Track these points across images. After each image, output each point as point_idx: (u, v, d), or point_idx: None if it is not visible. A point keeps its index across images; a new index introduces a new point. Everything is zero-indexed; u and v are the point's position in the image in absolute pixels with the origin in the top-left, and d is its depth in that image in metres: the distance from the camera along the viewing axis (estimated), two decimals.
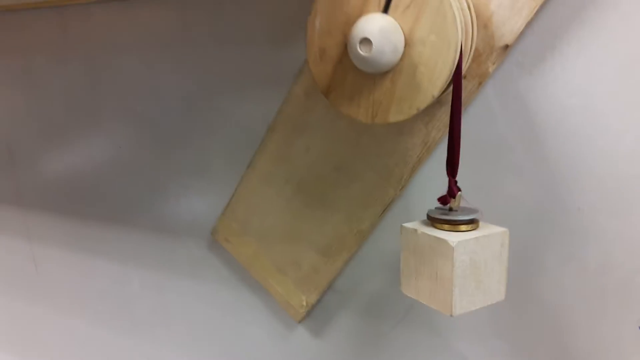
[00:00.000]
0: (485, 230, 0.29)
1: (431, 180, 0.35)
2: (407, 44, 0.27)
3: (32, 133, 0.55)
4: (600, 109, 0.30)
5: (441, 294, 0.29)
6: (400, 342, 0.41)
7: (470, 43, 0.29)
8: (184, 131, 0.45)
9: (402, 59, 0.28)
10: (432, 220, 0.30)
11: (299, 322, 0.44)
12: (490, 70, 0.31)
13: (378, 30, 0.27)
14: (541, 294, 0.34)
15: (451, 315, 0.29)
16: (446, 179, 0.29)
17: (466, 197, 0.31)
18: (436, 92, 0.28)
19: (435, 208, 0.31)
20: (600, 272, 0.32)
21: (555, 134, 0.31)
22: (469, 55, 0.29)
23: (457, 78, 0.27)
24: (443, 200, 0.30)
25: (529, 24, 0.30)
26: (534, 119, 0.32)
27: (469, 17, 0.29)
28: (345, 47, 0.29)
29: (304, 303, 0.43)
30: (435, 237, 0.29)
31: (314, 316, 0.44)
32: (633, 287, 0.32)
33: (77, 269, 0.58)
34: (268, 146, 0.41)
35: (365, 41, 0.27)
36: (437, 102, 0.32)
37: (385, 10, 0.27)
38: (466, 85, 0.32)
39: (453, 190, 0.30)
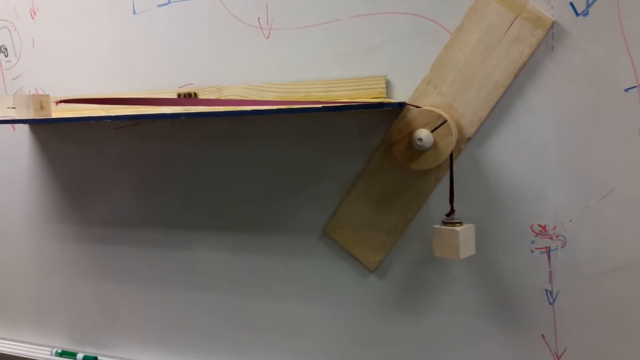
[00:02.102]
0: (466, 225, 0.74)
1: (440, 192, 0.81)
2: (435, 142, 0.74)
3: (204, 188, 0.97)
4: (509, 162, 0.77)
5: (453, 250, 0.74)
6: (426, 277, 0.85)
7: (455, 140, 0.75)
8: (308, 176, 0.89)
9: (431, 147, 0.74)
10: (445, 223, 0.75)
11: (372, 271, 0.88)
12: (463, 147, 0.78)
13: (425, 136, 0.73)
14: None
15: (459, 258, 0.73)
16: (445, 192, 0.75)
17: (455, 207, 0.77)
18: (442, 160, 0.74)
19: (445, 217, 0.76)
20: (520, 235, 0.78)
21: (490, 173, 0.78)
22: (454, 145, 0.76)
23: (451, 158, 0.74)
24: (447, 214, 0.76)
25: (477, 129, 0.77)
26: (482, 167, 0.78)
27: (456, 128, 0.75)
28: (409, 139, 0.75)
29: (376, 260, 0.86)
30: (450, 229, 0.73)
31: (380, 268, 0.87)
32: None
33: (226, 262, 0.98)
34: (358, 183, 0.85)
35: (420, 138, 0.73)
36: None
37: (432, 131, 0.73)
38: (454, 154, 0.78)
39: (452, 211, 0.75)
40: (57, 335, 1.19)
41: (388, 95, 0.81)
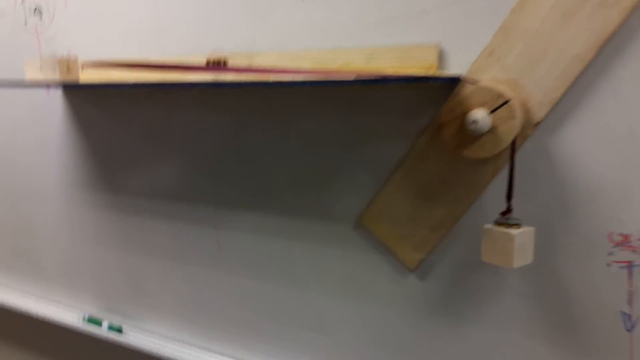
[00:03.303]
0: (524, 228, 0.61)
1: (498, 187, 0.68)
2: (493, 126, 0.61)
3: (233, 164, 0.88)
4: (578, 153, 0.63)
5: (506, 257, 0.61)
6: (476, 284, 0.72)
7: (519, 124, 0.62)
8: (344, 160, 0.78)
9: (488, 132, 0.61)
10: (499, 224, 0.62)
11: (412, 271, 0.76)
12: (529, 134, 0.64)
13: (481, 117, 0.60)
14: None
15: (512, 267, 0.61)
16: (502, 187, 0.62)
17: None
18: (502, 148, 0.61)
19: (499, 216, 0.63)
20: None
21: (562, 166, 0.64)
22: (517, 130, 0.62)
23: (513, 146, 0.61)
24: (503, 213, 0.63)
25: (548, 113, 0.63)
26: (552, 159, 0.64)
27: (521, 109, 0.62)
28: (462, 121, 0.62)
29: (417, 258, 0.75)
30: (503, 232, 0.61)
31: (421, 268, 0.76)
32: None
33: (252, 244, 0.90)
34: (399, 171, 0.73)
35: (475, 121, 0.60)
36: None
37: (491, 112, 0.60)
38: (517, 141, 0.64)
39: (508, 209, 0.63)
40: (86, 300, 1.16)
41: (440, 67, 0.68)
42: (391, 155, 0.74)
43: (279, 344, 0.91)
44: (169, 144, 0.95)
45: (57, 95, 1.07)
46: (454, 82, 0.64)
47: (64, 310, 1.17)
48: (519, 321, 0.70)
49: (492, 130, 0.61)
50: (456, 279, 0.73)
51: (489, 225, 0.62)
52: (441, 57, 0.68)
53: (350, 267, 0.81)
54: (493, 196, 0.69)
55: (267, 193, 0.86)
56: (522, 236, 0.61)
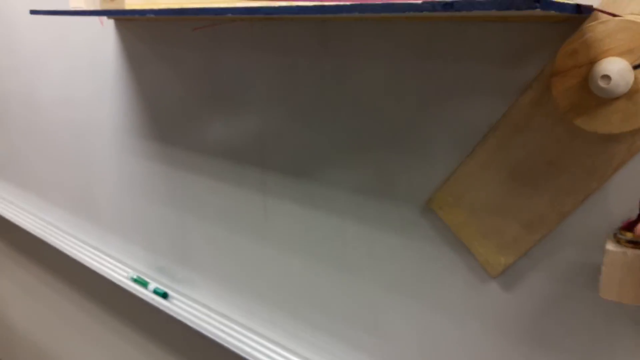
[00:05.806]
0: None
1: (629, 178, 0.46)
2: (635, 87, 0.38)
3: (282, 119, 0.72)
4: None
5: None
6: (584, 309, 0.52)
7: None
8: (415, 121, 0.59)
9: (625, 95, 0.39)
10: (630, 244, 0.41)
11: (494, 277, 0.57)
12: None
13: (617, 71, 0.38)
14: None
15: None
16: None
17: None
18: None
19: (621, 230, 0.42)
20: None
21: None
22: None
23: None
24: (627, 226, 0.42)
25: None
26: None
27: None
28: (586, 75, 0.41)
29: (502, 263, 0.55)
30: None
31: (507, 275, 0.56)
32: None
33: (300, 219, 0.74)
34: (489, 140, 0.53)
35: (606, 76, 0.38)
36: None
37: (636, 68, 0.38)
38: None
39: None
40: (138, 256, 1.08)
41: None
42: (479, 117, 0.54)
43: (325, 340, 0.76)
44: (216, 89, 0.80)
45: (110, 28, 0.96)
46: (579, 13, 0.42)
47: (115, 265, 1.10)
48: None
49: (633, 93, 0.39)
50: (555, 297, 0.53)
51: (612, 246, 0.41)
52: None
53: (413, 261, 0.63)
54: (619, 191, 0.47)
55: (318, 158, 0.69)
56: None
